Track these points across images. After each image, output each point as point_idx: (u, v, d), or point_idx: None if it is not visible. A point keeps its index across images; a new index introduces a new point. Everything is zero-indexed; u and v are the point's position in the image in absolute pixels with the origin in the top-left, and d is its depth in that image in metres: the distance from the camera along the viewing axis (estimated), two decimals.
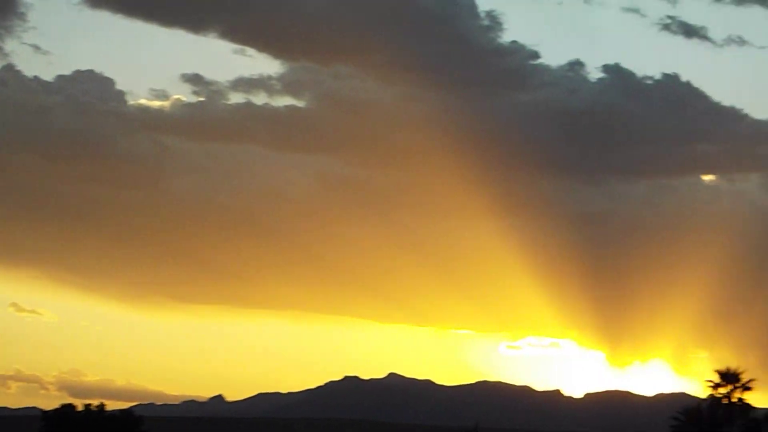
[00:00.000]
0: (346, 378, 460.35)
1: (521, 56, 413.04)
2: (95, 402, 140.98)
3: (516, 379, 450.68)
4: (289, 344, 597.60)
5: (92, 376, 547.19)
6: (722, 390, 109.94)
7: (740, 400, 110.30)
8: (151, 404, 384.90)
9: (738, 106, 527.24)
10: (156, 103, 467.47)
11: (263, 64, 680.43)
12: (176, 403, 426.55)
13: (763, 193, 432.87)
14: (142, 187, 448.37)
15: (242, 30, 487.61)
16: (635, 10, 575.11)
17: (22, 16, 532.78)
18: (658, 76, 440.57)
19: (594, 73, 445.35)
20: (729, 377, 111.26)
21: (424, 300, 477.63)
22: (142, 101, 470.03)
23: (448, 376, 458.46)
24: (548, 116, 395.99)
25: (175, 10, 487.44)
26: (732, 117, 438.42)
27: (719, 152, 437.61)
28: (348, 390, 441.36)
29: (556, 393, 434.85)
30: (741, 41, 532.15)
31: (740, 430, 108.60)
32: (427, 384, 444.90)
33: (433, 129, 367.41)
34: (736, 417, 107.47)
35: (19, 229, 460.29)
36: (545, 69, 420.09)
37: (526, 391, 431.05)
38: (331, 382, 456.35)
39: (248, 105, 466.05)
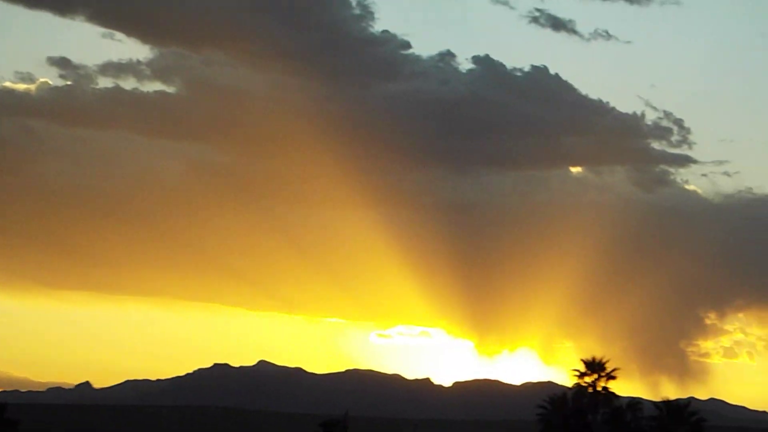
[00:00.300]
0: (216, 365, 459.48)
1: (392, 46, 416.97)
2: None
3: (386, 367, 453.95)
4: (158, 331, 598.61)
5: None
6: (587, 379, 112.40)
7: (605, 388, 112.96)
8: (16, 391, 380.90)
9: (605, 99, 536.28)
10: (21, 86, 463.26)
11: (132, 49, 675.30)
12: (42, 390, 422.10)
13: (629, 186, 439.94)
14: (7, 171, 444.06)
15: (111, 13, 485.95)
16: (504, 3, 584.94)
17: None
18: (527, 68, 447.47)
19: (464, 64, 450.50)
20: (594, 366, 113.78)
21: (295, 288, 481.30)
22: (7, 84, 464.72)
23: (318, 364, 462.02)
24: (419, 106, 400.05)
25: None
26: (599, 110, 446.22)
27: (587, 144, 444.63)
28: (217, 377, 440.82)
29: (426, 381, 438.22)
30: (607, 35, 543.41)
31: (604, 418, 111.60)
32: (298, 372, 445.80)
33: (305, 118, 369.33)
34: (601, 405, 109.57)
35: None
36: (416, 59, 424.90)
37: (396, 379, 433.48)
38: (201, 370, 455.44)
39: (117, 90, 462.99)
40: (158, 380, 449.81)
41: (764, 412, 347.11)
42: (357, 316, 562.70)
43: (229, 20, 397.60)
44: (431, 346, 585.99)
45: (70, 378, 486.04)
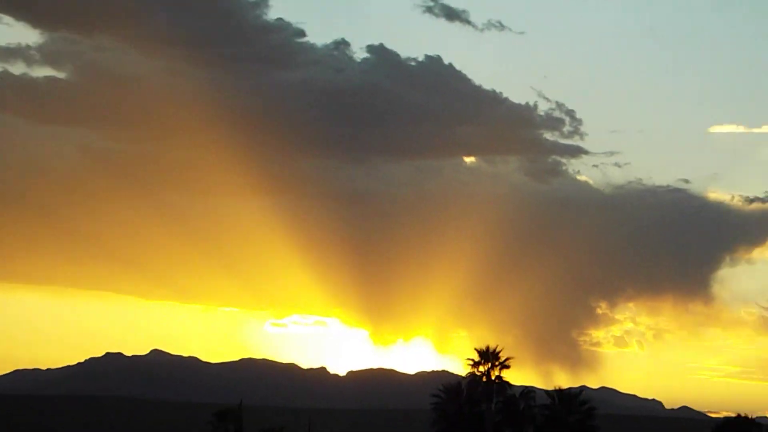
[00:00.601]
0: (108, 354, 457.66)
1: (287, 34, 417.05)
2: None
3: (282, 356, 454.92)
4: (48, 320, 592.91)
5: None
6: (481, 368, 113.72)
7: (498, 377, 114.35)
8: None
9: (498, 89, 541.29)
10: None
11: (22, 33, 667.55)
12: None
13: (521, 175, 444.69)
14: None
15: None
16: None
17: None
18: (421, 58, 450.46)
19: (359, 53, 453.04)
20: (487, 356, 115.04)
21: (189, 277, 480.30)
22: None
23: (213, 354, 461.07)
24: (313, 95, 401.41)
25: None
26: (492, 100, 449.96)
27: (480, 134, 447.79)
28: (110, 366, 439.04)
29: (322, 370, 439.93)
30: (501, 26, 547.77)
31: (498, 407, 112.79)
32: (192, 361, 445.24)
33: (198, 105, 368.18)
34: (494, 394, 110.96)
35: None
36: (311, 47, 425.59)
37: (291, 368, 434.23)
38: (93, 359, 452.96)
39: (5, 74, 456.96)
40: (49, 369, 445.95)
41: (654, 400, 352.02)
42: (252, 305, 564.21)
43: (121, 5, 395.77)
44: (326, 336, 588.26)
45: None
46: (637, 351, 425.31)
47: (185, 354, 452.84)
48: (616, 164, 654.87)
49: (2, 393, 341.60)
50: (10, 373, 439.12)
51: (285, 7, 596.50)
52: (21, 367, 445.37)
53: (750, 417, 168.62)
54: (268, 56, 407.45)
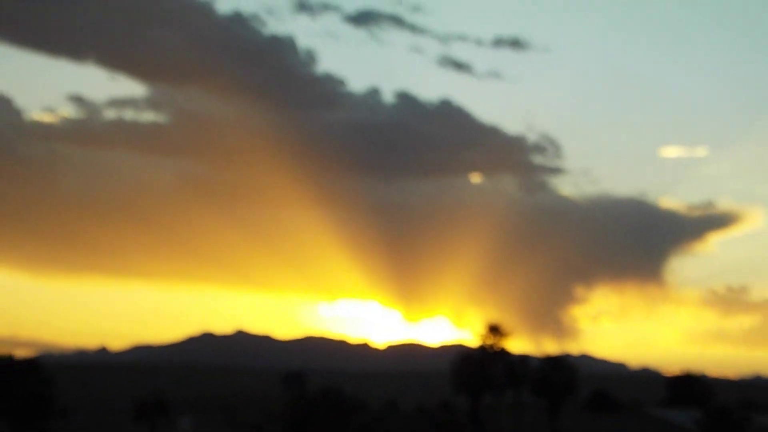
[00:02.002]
0: (204, 334, 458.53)
1: (332, 84, 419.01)
2: (3, 351, 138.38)
3: (334, 332, 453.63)
4: (157, 306, 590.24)
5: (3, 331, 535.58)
6: (489, 340, 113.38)
7: (503, 350, 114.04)
8: (48, 354, 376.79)
9: (497, 124, 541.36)
10: (47, 118, 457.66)
11: (131, 87, 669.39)
12: (69, 353, 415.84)
13: (515, 190, 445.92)
14: (36, 182, 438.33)
15: (114, 58, 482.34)
16: (419, 50, 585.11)
17: None
18: (435, 101, 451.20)
19: (388, 98, 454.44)
20: (494, 330, 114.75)
21: (263, 271, 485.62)
22: (36, 117, 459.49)
23: (283, 332, 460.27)
24: (354, 130, 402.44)
25: (58, 40, 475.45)
26: (492, 132, 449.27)
27: (483, 159, 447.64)
28: (205, 342, 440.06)
29: (365, 344, 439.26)
30: (497, 75, 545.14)
31: (501, 371, 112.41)
32: (267, 338, 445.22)
33: (266, 139, 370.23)
34: (498, 360, 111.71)
35: None
36: (350, 94, 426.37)
37: (341, 341, 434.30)
38: (192, 337, 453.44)
39: (119, 120, 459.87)
40: (159, 345, 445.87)
41: (621, 363, 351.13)
42: (310, 293, 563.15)
43: (206, 64, 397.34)
44: (368, 315, 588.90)
45: (91, 343, 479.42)
46: (608, 324, 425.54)
47: (262, 333, 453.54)
48: (588, 181, 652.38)
49: (126, 363, 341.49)
50: (131, 348, 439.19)
51: (330, 62, 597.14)
52: (138, 343, 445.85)
53: (694, 374, 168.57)
54: (319, 101, 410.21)
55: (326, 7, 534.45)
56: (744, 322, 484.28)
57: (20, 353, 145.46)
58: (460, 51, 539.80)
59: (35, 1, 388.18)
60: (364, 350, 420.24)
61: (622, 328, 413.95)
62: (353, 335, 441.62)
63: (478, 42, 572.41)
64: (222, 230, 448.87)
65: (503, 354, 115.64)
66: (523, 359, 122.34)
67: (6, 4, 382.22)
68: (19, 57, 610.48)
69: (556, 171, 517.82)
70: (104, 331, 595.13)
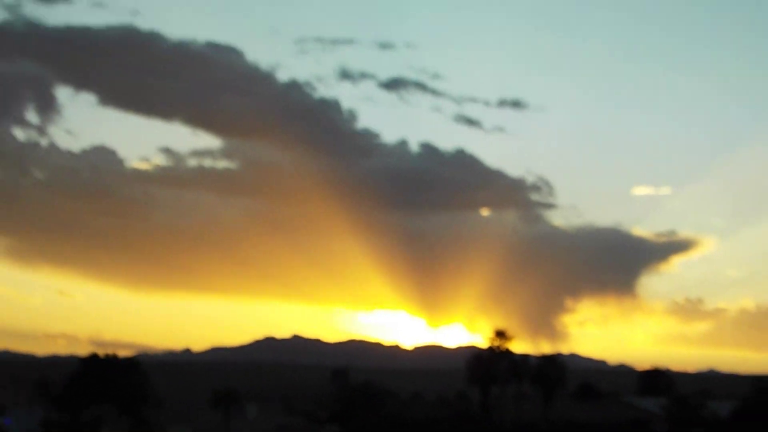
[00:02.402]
0: (266, 338, 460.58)
1: (369, 136, 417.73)
2: (110, 351, 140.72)
3: (371, 337, 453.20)
4: (227, 315, 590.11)
5: (110, 336, 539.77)
6: (496, 342, 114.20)
7: (507, 350, 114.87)
8: (144, 354, 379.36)
9: (502, 168, 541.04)
10: (142, 166, 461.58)
11: (209, 141, 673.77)
12: (160, 354, 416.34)
13: (517, 221, 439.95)
14: (134, 218, 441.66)
15: (196, 119, 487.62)
16: (438, 110, 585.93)
17: (58, 110, 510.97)
18: (452, 150, 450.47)
19: (414, 148, 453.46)
20: (500, 334, 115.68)
21: (316, 288, 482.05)
22: (134, 165, 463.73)
23: (330, 336, 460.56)
24: (386, 174, 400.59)
25: (152, 104, 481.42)
26: (498, 175, 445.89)
27: (491, 197, 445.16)
28: (267, 345, 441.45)
29: (396, 346, 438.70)
30: (501, 130, 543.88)
31: (506, 367, 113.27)
32: (318, 341, 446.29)
33: (316, 180, 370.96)
34: (504, 359, 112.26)
35: (55, 243, 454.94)
36: (384, 145, 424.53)
37: (377, 344, 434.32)
38: (256, 341, 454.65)
39: (200, 167, 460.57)
40: (231, 347, 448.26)
41: (602, 360, 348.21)
42: (352, 305, 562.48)
43: (269, 121, 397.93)
44: (398, 323, 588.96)
45: (178, 345, 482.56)
46: (591, 329, 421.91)
47: (313, 337, 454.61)
48: (575, 214, 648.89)
49: (205, 362, 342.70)
50: (209, 349, 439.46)
51: (367, 119, 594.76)
52: (215, 345, 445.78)
53: (661, 369, 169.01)
54: (359, 151, 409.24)
55: (364, 76, 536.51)
56: (700, 327, 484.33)
57: (122, 353, 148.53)
58: (471, 110, 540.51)
59: (134, 75, 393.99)
60: (395, 351, 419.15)
61: (603, 332, 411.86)
62: (386, 339, 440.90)
63: (486, 103, 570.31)
64: (281, 255, 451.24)
65: (507, 354, 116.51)
66: (524, 358, 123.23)
67: (113, 78, 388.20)
68: (122, 118, 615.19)
69: (550, 206, 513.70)
70: (188, 336, 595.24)
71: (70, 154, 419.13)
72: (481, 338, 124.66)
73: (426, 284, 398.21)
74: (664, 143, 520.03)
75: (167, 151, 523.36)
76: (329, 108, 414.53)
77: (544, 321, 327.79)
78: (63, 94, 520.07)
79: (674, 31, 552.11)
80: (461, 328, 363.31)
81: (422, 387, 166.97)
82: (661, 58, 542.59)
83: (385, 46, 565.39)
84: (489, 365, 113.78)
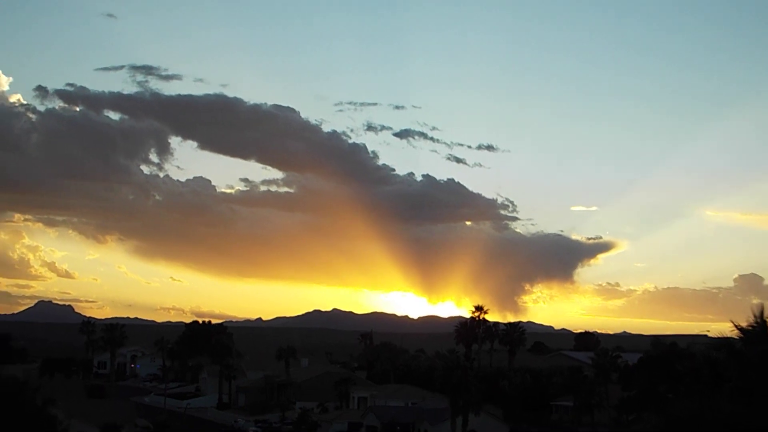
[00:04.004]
0: (315, 310, 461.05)
1: (386, 170, 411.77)
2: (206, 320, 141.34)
3: (389, 310, 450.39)
4: (289, 294, 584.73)
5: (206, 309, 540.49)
6: (476, 314, 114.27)
7: (483, 318, 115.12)
8: (229, 321, 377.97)
9: (480, 192, 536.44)
10: (228, 190, 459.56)
11: (273, 173, 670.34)
12: (240, 321, 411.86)
13: (492, 230, 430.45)
14: (221, 227, 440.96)
15: (266, 158, 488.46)
16: (434, 151, 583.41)
17: (171, 152, 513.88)
18: (445, 179, 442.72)
19: (418, 178, 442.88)
20: (479, 308, 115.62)
21: (348, 276, 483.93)
22: (224, 190, 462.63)
23: (358, 309, 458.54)
24: (399, 197, 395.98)
25: (235, 148, 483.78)
26: (478, 197, 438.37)
27: (473, 212, 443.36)
28: (315, 316, 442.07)
29: (406, 316, 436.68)
30: (481, 165, 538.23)
31: (482, 332, 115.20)
32: (348, 313, 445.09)
33: (349, 201, 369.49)
34: (481, 325, 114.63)
35: (168, 244, 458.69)
36: (397, 175, 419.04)
37: (393, 315, 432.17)
38: (307, 313, 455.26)
39: (268, 191, 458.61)
40: (298, 315, 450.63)
41: (550, 325, 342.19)
42: (375, 287, 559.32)
43: (316, 159, 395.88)
44: (408, 300, 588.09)
45: (252, 315, 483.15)
46: (543, 304, 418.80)
47: (347, 310, 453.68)
48: (532, 224, 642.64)
49: (271, 327, 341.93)
50: (274, 318, 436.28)
51: (386, 158, 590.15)
52: (278, 315, 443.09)
53: (590, 332, 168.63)
54: (379, 179, 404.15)
55: (383, 128, 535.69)
56: (617, 302, 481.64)
57: (214, 321, 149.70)
58: (458, 152, 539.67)
59: (223, 128, 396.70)
60: (405, 320, 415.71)
61: (550, 306, 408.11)
62: (399, 312, 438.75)
63: (469, 147, 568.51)
64: (324, 253, 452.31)
65: (484, 322, 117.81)
66: (495, 324, 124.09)
67: (208, 131, 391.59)
68: (214, 157, 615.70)
69: (514, 219, 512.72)
70: (260, 309, 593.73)
71: (179, 183, 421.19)
72: (465, 311, 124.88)
73: (427, 274, 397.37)
74: (591, 176, 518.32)
75: (245, 180, 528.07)
76: (359, 150, 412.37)
77: (509, 299, 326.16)
78: (174, 141, 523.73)
79: (593, 93, 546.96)
80: (452, 304, 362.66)
81: (424, 345, 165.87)
82: (584, 118, 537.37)
83: (397, 107, 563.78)
84: (471, 330, 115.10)
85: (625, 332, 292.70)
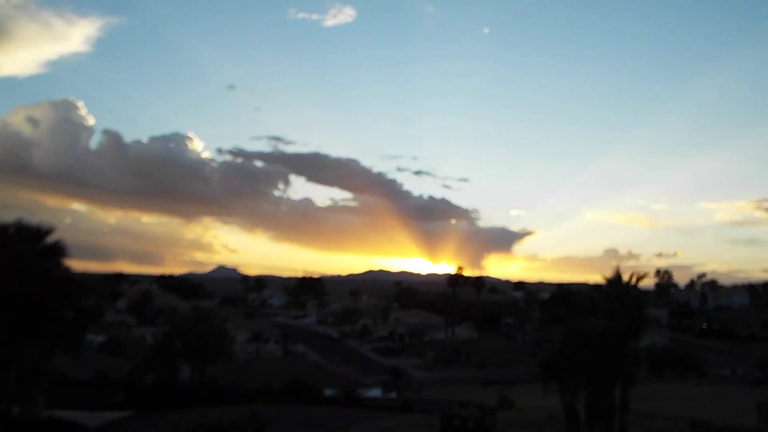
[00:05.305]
0: (367, 272, 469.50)
1: (406, 193, 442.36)
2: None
3: (409, 268, 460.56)
4: (349, 263, 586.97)
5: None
6: (458, 271, 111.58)
7: (462, 273, 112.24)
8: (324, 275, 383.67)
9: (460, 205, 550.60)
10: (322, 205, 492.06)
11: (346, 195, 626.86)
12: (329, 275, 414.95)
13: (465, 225, 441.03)
14: (319, 225, 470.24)
15: (343, 186, 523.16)
16: (435, 182, 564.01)
17: (291, 184, 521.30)
18: (439, 197, 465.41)
19: (425, 197, 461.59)
20: (459, 267, 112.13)
21: (388, 250, 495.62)
22: (320, 204, 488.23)
23: (391, 268, 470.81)
24: (415, 207, 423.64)
25: (326, 181, 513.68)
26: (458, 208, 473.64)
27: (456, 214, 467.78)
28: (368, 273, 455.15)
29: (419, 273, 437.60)
30: (459, 190, 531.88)
31: (461, 281, 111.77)
32: (383, 271, 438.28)
33: (386, 209, 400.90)
34: (461, 277, 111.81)
35: (289, 234, 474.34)
36: (414, 196, 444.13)
37: (410, 272, 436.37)
38: (365, 271, 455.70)
39: (344, 206, 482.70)
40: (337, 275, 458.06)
41: (498, 278, 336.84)
42: (401, 255, 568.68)
43: (370, 188, 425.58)
44: (419, 263, 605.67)
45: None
46: (495, 266, 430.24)
47: (385, 269, 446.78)
48: (488, 221, 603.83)
49: (348, 280, 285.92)
50: (347, 274, 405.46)
51: (407, 186, 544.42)
52: (350, 272, 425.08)
53: (521, 281, 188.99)
54: (403, 197, 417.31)
55: (406, 170, 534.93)
56: (534, 265, 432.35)
57: (315, 276, 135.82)
58: (448, 182, 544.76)
59: (318, 171, 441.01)
60: (418, 276, 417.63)
61: (499, 267, 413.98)
62: (414, 270, 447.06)
63: (453, 179, 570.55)
64: (374, 236, 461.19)
65: (462, 275, 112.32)
66: (468, 277, 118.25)
67: (311, 171, 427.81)
68: (315, 186, 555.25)
69: (478, 219, 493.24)
70: (341, 268, 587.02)
71: (295, 201, 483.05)
72: (453, 268, 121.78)
73: (431, 247, 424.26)
74: (522, 193, 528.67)
75: (332, 199, 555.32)
76: (392, 183, 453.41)
77: (476, 262, 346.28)
78: (292, 178, 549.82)
79: (528, 143, 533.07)
80: (445, 264, 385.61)
81: (429, 289, 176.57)
82: (518, 163, 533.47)
83: (415, 158, 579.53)
84: (455, 279, 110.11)
85: (541, 282, 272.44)
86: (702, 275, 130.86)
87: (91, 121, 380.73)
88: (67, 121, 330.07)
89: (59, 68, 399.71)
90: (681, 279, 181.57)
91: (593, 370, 18.29)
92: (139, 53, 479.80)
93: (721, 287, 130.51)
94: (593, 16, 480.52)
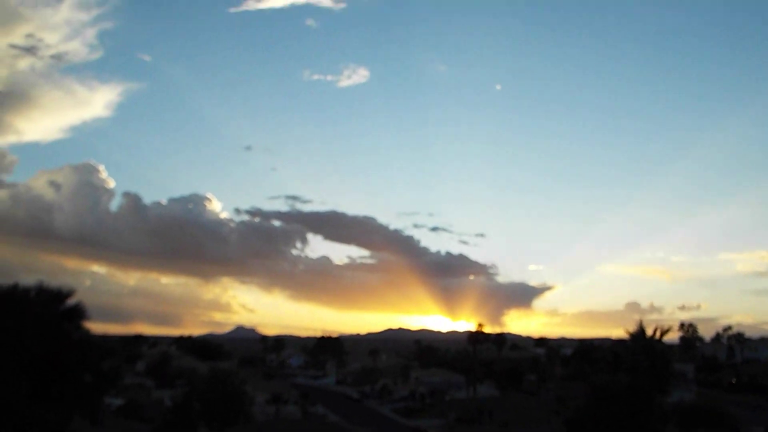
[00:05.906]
0: (387, 330, 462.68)
1: (424, 249, 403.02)
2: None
3: (429, 326, 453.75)
4: (364, 321, 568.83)
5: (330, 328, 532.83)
6: (478, 328, 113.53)
7: (482, 330, 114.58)
8: (342, 334, 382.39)
9: (477, 260, 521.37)
10: (340, 263, 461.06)
11: (364, 252, 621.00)
12: (347, 334, 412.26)
13: (484, 281, 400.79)
14: (337, 283, 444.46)
15: (360, 244, 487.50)
16: (452, 238, 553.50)
17: (308, 242, 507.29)
18: (456, 253, 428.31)
19: (443, 253, 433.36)
20: (480, 324, 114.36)
21: (406, 307, 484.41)
22: (337, 263, 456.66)
23: (411, 327, 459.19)
24: (432, 264, 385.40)
25: (343, 239, 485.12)
26: (476, 264, 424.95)
27: (473, 269, 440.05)
28: (386, 334, 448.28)
29: (439, 331, 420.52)
30: (477, 245, 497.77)
31: (482, 338, 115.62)
32: (402, 330, 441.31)
33: (404, 266, 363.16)
34: (481, 334, 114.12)
35: (307, 292, 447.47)
36: (431, 252, 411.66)
37: (430, 330, 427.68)
38: (385, 330, 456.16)
39: (362, 263, 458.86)
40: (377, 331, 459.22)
41: (519, 334, 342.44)
42: (420, 313, 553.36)
43: (387, 247, 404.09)
44: (440, 321, 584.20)
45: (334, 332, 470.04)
46: (515, 322, 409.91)
47: (405, 327, 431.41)
48: (506, 277, 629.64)
49: (364, 339, 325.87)
50: (366, 333, 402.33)
51: (425, 243, 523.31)
52: (368, 332, 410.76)
53: (543, 337, 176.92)
54: (420, 254, 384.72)
55: (422, 226, 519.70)
56: (556, 320, 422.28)
57: (333, 335, 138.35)
58: (465, 237, 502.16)
59: (335, 229, 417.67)
60: (437, 333, 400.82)
61: (520, 323, 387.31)
62: (434, 327, 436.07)
63: (470, 234, 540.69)
64: (392, 294, 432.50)
65: (482, 332, 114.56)
66: (489, 334, 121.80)
67: (327, 230, 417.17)
68: (332, 244, 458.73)
69: (497, 274, 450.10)
70: (357, 327, 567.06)
71: (312, 259, 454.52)
72: (472, 325, 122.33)
73: (449, 304, 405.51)
74: (540, 248, 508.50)
75: (349, 257, 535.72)
76: (410, 239, 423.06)
77: (496, 318, 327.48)
78: (310, 236, 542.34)
79: (545, 197, 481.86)
80: (465, 321, 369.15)
81: (450, 347, 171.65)
82: (536, 216, 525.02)
83: (431, 214, 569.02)
84: (476, 337, 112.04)
85: (562, 337, 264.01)
86: (728, 328, 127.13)
87: (111, 183, 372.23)
88: (88, 185, 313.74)
89: (81, 133, 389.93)
90: (706, 332, 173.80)
91: (619, 428, 17.56)
92: (158, 117, 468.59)
93: (748, 340, 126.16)
94: (606, 69, 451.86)
